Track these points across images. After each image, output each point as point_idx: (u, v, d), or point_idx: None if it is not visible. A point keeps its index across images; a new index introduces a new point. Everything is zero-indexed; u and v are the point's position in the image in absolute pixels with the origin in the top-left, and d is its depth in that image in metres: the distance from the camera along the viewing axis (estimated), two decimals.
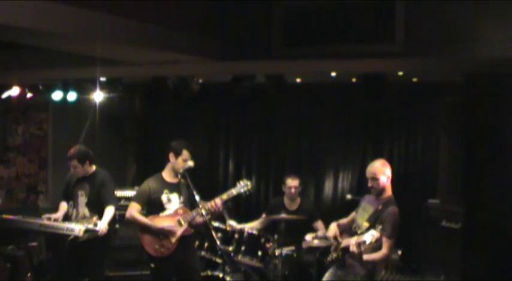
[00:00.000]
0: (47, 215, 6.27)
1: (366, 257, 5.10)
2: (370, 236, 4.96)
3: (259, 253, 6.59)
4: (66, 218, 6.27)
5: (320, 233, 6.95)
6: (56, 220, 6.19)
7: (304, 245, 6.80)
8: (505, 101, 5.93)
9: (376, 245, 5.09)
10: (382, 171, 5.24)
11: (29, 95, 8.34)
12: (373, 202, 5.33)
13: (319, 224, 7.10)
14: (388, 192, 5.29)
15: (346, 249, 5.17)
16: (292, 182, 7.13)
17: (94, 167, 6.33)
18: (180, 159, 5.65)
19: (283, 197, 7.27)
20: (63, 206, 6.41)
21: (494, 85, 5.92)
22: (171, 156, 5.70)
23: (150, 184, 5.73)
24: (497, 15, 5.19)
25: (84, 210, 6.20)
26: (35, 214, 6.45)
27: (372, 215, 5.22)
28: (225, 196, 5.71)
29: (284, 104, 8.27)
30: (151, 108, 9.32)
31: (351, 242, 5.09)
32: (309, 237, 6.85)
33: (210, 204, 5.53)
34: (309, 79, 7.54)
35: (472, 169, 6.26)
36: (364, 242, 4.96)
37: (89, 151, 6.30)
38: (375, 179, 5.22)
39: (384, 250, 5.08)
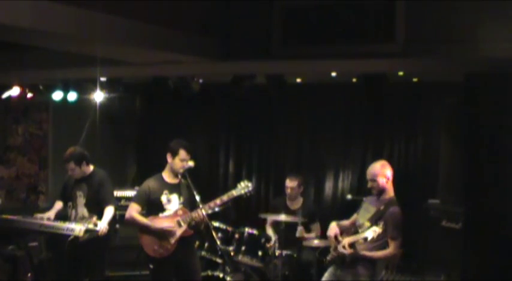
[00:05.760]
0: (38, 215, 6.27)
1: (371, 254, 5.12)
2: (372, 232, 4.98)
3: (260, 253, 6.60)
4: (66, 218, 6.27)
5: (312, 234, 6.95)
6: (48, 218, 6.19)
7: (304, 244, 6.80)
8: (505, 101, 5.93)
9: (381, 244, 5.11)
10: (381, 172, 5.26)
11: (29, 95, 8.34)
12: (375, 203, 5.34)
13: (315, 226, 7.09)
14: (390, 193, 5.31)
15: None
16: (289, 183, 7.14)
17: (92, 168, 6.31)
18: (177, 159, 5.61)
19: (285, 196, 7.28)
20: (58, 205, 6.42)
21: (495, 85, 5.91)
22: (169, 156, 5.67)
23: (149, 184, 5.72)
24: (497, 15, 5.20)
25: (83, 210, 6.19)
26: (35, 214, 6.44)
27: (374, 215, 5.24)
28: (225, 197, 5.70)
29: (284, 104, 8.27)
30: (151, 108, 9.32)
31: (346, 241, 5.11)
32: (299, 232, 6.81)
33: (195, 214, 5.54)
34: (309, 79, 7.54)
35: (472, 169, 6.26)
36: (366, 238, 4.98)
37: (84, 151, 6.27)
38: (374, 180, 5.26)
39: (390, 249, 5.11)
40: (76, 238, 5.91)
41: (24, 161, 8.86)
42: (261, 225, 7.17)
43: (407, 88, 7.42)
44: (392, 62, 5.88)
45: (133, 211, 5.63)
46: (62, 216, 6.35)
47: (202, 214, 5.47)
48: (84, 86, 7.87)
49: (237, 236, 6.64)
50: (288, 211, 6.98)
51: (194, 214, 5.55)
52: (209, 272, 6.58)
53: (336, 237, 5.35)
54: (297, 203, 7.22)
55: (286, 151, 8.58)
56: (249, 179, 7.38)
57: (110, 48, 5.60)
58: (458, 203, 6.52)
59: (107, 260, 6.50)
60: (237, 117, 8.83)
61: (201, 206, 5.48)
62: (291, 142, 8.56)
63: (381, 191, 5.26)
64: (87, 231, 5.91)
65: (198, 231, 5.81)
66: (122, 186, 7.96)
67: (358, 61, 5.81)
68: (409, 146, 7.94)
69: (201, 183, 5.87)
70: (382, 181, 5.24)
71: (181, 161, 5.60)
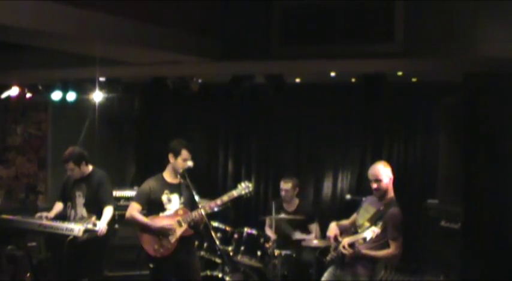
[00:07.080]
0: (39, 214, 6.28)
1: (372, 253, 5.13)
2: (371, 232, 4.99)
3: (259, 252, 6.60)
4: (65, 219, 6.27)
5: (311, 236, 6.95)
6: (47, 217, 6.19)
7: (303, 244, 6.79)
8: (504, 101, 5.93)
9: (380, 244, 5.12)
10: (384, 173, 5.27)
11: (28, 95, 8.33)
12: (375, 203, 5.35)
13: (313, 226, 7.09)
14: (391, 193, 5.32)
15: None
16: (284, 186, 7.15)
17: (91, 167, 6.30)
18: (179, 159, 5.64)
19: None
20: (58, 206, 6.42)
21: (494, 85, 5.92)
22: (171, 156, 5.69)
23: (150, 184, 5.73)
24: (497, 15, 5.20)
25: (82, 211, 6.19)
26: (34, 214, 6.44)
27: (374, 215, 5.25)
28: (225, 197, 5.70)
29: (284, 104, 8.27)
30: (151, 108, 9.31)
31: (345, 241, 5.12)
32: (298, 235, 6.82)
33: (195, 213, 5.54)
34: (309, 79, 7.53)
35: (471, 169, 6.27)
36: (365, 238, 4.99)
37: (83, 151, 6.27)
38: (379, 180, 5.25)
39: (390, 250, 5.12)
40: (75, 238, 5.90)
41: (24, 161, 8.86)
42: (260, 226, 7.17)
43: (406, 88, 7.41)
44: (392, 62, 5.89)
45: (134, 210, 5.64)
46: (61, 216, 6.35)
47: (202, 214, 5.48)
48: (83, 86, 7.86)
49: (236, 236, 6.64)
50: (285, 213, 6.98)
51: (194, 214, 5.56)
52: (208, 272, 6.58)
53: (335, 237, 5.35)
54: (293, 205, 7.22)
55: (285, 151, 8.58)
56: (248, 179, 7.38)
57: (109, 48, 5.60)
58: (458, 203, 6.52)
59: (106, 260, 6.50)
60: (236, 117, 8.82)
61: (200, 206, 5.48)
62: (290, 142, 8.55)
63: (385, 191, 5.27)
64: (86, 231, 5.90)
65: (197, 231, 5.82)
66: (121, 186, 7.95)
67: (357, 61, 5.82)
68: (408, 146, 7.94)
69: (200, 183, 5.87)
70: (386, 181, 5.25)
71: (183, 160, 5.63)
